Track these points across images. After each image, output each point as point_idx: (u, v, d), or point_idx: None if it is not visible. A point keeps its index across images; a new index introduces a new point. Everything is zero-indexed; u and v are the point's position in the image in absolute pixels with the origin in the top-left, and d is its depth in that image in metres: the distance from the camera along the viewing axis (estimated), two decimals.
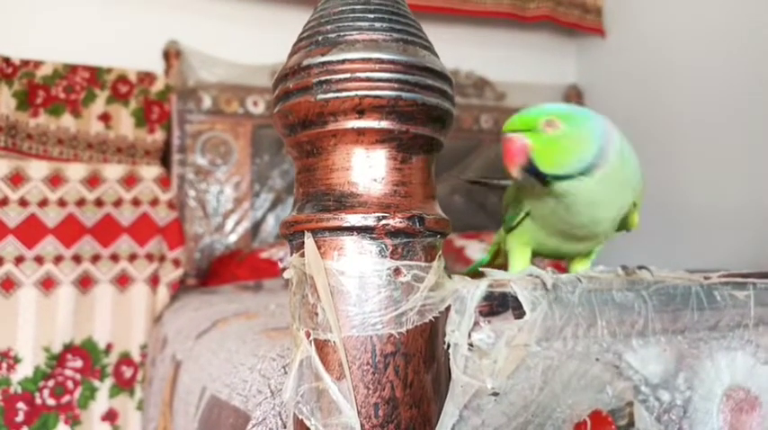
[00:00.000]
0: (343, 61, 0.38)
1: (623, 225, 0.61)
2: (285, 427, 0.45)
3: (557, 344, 0.43)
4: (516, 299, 0.43)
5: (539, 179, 0.52)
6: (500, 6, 1.95)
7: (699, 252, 1.66)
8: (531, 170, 0.52)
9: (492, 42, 2.12)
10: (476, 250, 1.79)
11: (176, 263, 1.51)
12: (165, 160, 1.67)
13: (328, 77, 0.38)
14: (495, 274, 0.45)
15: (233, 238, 1.72)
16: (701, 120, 1.71)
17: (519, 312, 0.43)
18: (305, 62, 0.39)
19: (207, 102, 1.74)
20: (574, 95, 2.15)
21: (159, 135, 1.64)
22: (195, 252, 1.66)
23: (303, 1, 1.83)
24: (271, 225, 1.77)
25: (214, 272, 1.59)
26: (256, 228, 1.76)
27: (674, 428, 0.45)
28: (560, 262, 0.73)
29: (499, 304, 0.43)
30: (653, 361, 0.46)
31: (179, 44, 1.73)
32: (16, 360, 1.35)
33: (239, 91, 1.78)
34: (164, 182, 1.54)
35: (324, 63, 0.38)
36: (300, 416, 0.37)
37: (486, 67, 2.07)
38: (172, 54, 1.71)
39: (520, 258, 0.62)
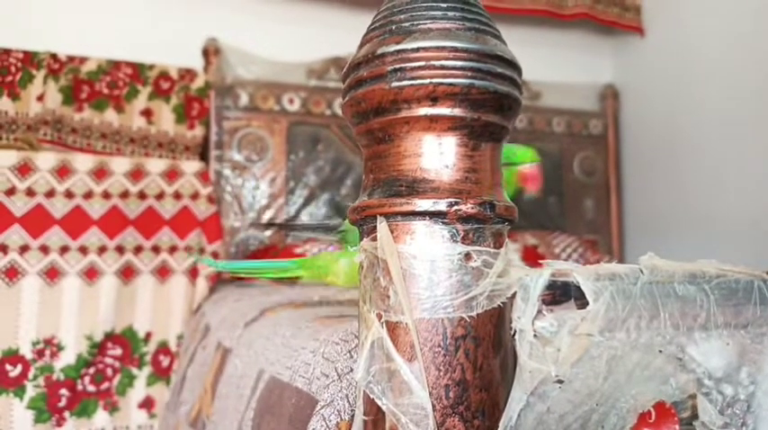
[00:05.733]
0: (418, 49, 0.38)
1: None
2: (353, 409, 0.46)
3: (620, 335, 0.43)
4: (578, 289, 0.43)
5: None
6: (537, 4, 1.93)
7: (737, 254, 1.62)
8: None
9: (527, 41, 2.10)
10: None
11: (215, 256, 1.54)
12: (203, 156, 1.70)
13: (403, 65, 0.38)
14: (556, 264, 0.45)
15: (267, 234, 1.74)
16: (740, 122, 1.68)
17: (581, 302, 0.43)
18: (379, 50, 0.39)
19: (244, 98, 1.77)
20: (610, 95, 2.13)
21: (199, 131, 1.67)
22: (231, 246, 1.69)
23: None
24: (304, 221, 1.79)
25: None
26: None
27: (737, 423, 0.45)
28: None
29: (561, 293, 0.43)
30: (716, 354, 0.46)
31: (218, 41, 1.76)
32: (59, 347, 1.38)
33: (275, 88, 1.81)
34: (204, 176, 1.57)
35: (398, 51, 0.39)
36: (372, 396, 0.37)
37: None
38: (211, 51, 1.74)
39: None
